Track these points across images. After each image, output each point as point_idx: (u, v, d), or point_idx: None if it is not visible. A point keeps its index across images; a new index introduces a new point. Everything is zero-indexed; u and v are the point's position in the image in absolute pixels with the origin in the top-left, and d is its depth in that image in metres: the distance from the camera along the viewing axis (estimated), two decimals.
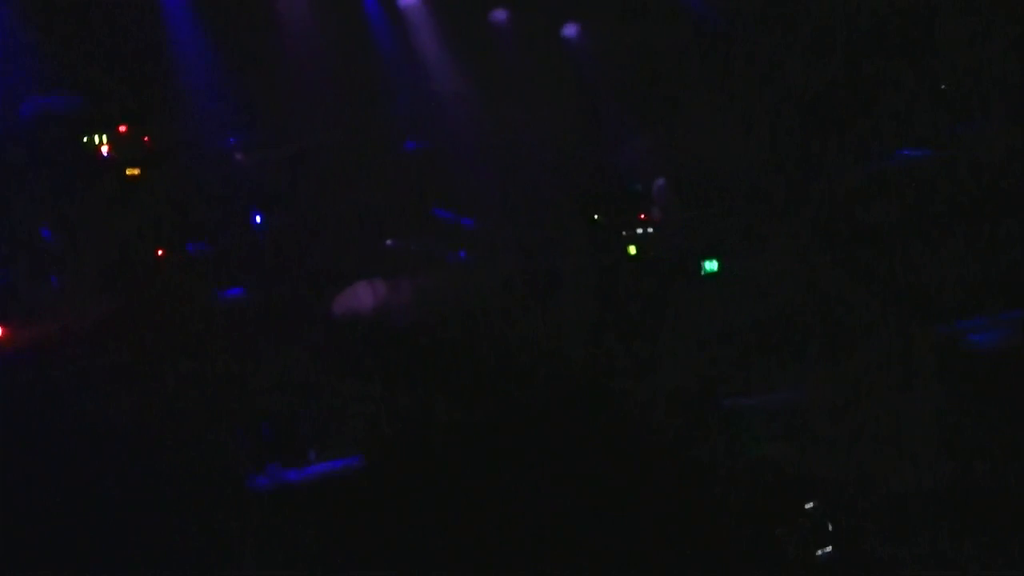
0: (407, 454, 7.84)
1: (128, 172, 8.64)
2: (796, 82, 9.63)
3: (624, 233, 10.24)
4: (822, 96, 9.66)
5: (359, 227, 9.29)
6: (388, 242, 9.24)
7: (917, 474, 6.28)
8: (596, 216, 10.28)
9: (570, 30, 10.58)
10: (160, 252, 8.75)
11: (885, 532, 5.90)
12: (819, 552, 6.00)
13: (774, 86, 9.65)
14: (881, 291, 9.16)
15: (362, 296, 8.98)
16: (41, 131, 7.59)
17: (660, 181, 9.89)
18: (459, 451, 7.67)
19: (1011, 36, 9.19)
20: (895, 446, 6.61)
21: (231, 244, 8.82)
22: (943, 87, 9.59)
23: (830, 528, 6.05)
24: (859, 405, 7.28)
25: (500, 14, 10.34)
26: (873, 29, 9.67)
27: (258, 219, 9.08)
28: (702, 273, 9.49)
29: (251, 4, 9.56)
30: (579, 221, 10.20)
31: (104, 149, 8.57)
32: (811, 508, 6.21)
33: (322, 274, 9.01)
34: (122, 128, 8.77)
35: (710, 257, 9.56)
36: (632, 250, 10.18)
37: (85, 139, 7.95)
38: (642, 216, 10.26)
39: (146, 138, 6.98)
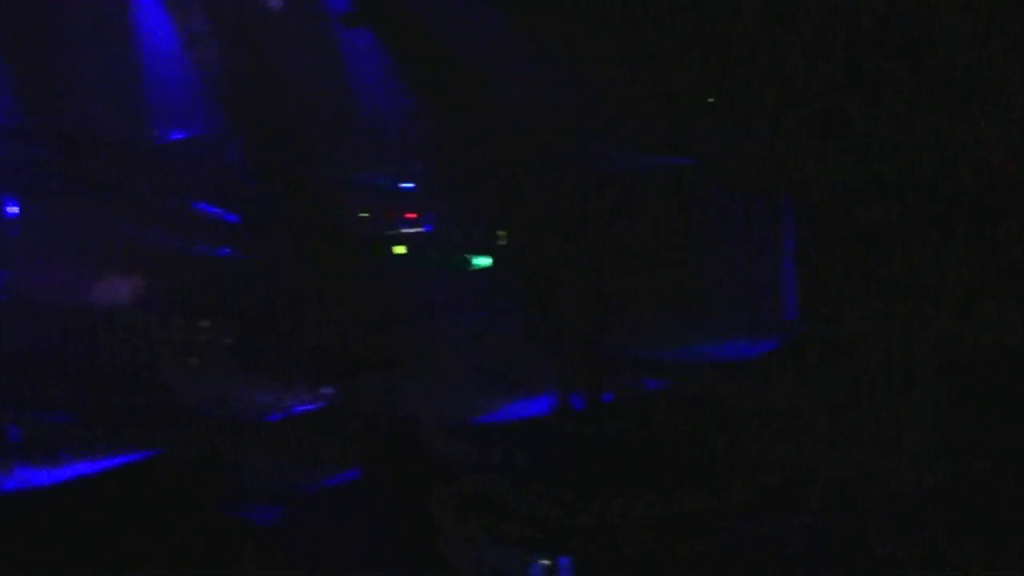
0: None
1: None
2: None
3: (390, 232, 10.11)
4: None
5: (116, 220, 9.13)
6: (146, 236, 9.10)
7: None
8: (364, 213, 10.11)
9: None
10: None
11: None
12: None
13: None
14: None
15: (119, 291, 8.88)
16: None
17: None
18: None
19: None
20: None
21: None
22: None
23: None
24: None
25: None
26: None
27: (12, 208, 8.94)
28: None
29: None
30: (344, 218, 10.03)
31: None
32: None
33: (76, 267, 8.86)
34: None
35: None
36: (400, 249, 10.04)
37: None
38: (412, 215, 10.15)
39: None
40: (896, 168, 9.48)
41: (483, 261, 9.71)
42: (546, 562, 6.25)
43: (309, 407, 8.53)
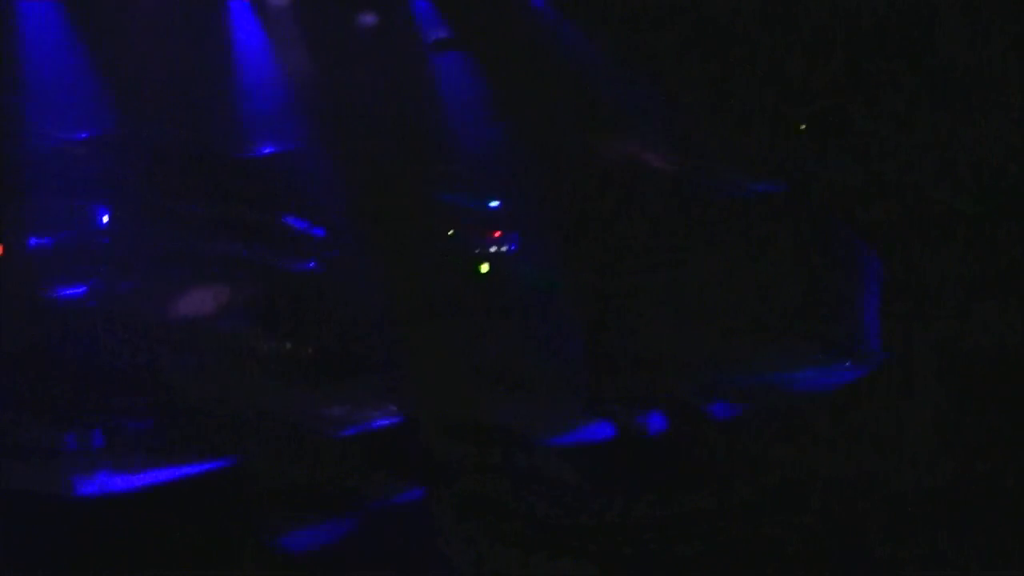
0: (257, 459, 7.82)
1: None
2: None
3: (477, 251, 10.17)
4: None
5: (205, 232, 9.18)
6: (228, 249, 9.15)
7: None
8: (451, 232, 10.19)
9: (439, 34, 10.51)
10: None
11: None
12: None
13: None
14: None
15: (199, 302, 8.93)
16: None
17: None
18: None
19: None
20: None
21: (73, 241, 8.73)
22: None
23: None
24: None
25: (369, 17, 10.25)
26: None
27: (104, 218, 8.95)
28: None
29: None
30: (433, 236, 10.10)
31: None
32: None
33: (164, 277, 8.91)
34: None
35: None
36: (484, 268, 10.11)
37: None
38: (497, 233, 10.21)
39: None
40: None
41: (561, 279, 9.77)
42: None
43: (385, 422, 8.59)
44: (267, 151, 9.77)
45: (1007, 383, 6.88)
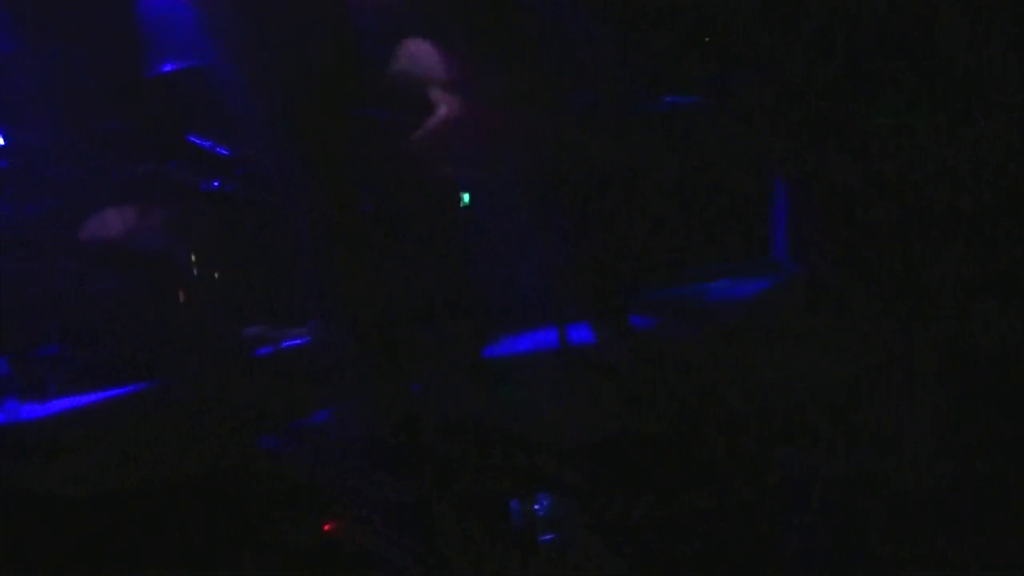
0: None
1: None
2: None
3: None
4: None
5: (112, 151, 9.01)
6: (139, 168, 8.97)
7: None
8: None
9: None
10: None
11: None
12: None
13: None
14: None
15: (111, 223, 8.79)
16: None
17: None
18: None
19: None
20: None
21: None
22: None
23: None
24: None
25: None
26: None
27: (1, 138, 8.80)
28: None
29: None
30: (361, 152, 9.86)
31: None
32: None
33: (71, 198, 8.75)
34: None
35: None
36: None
37: None
38: None
39: None
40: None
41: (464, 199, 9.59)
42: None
43: (298, 340, 8.48)
44: (171, 68, 9.57)
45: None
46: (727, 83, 9.94)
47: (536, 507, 6.17)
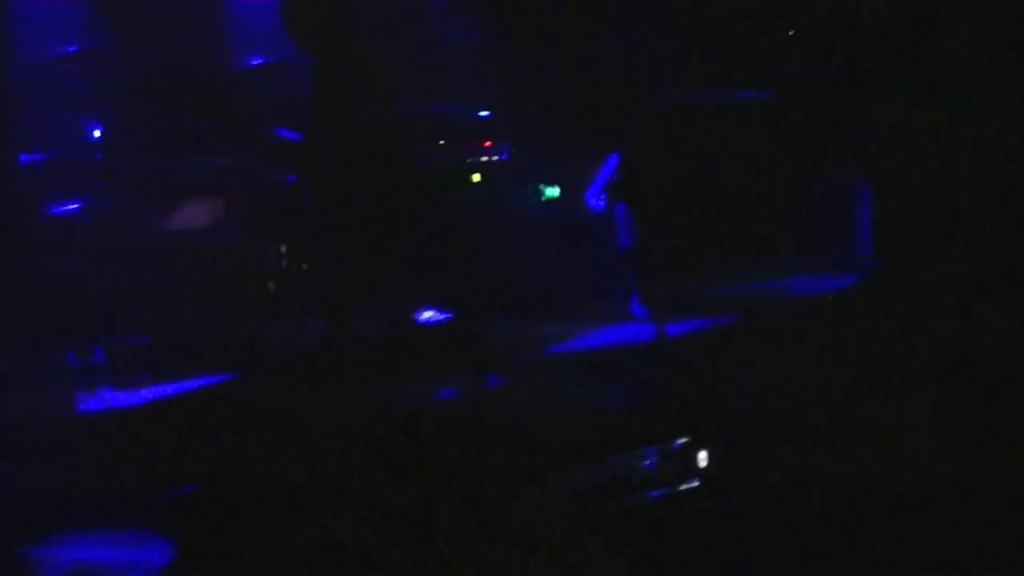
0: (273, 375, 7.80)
1: None
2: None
3: (468, 161, 10.02)
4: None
5: (196, 145, 9.04)
6: (226, 160, 8.99)
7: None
8: (441, 142, 10.03)
9: None
10: None
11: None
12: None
13: None
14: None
15: (199, 214, 8.83)
16: None
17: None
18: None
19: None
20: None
21: (65, 157, 8.62)
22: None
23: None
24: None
25: None
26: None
27: (96, 133, 8.82)
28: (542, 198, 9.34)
29: None
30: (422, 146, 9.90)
31: None
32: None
33: (157, 191, 8.79)
34: None
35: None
36: (476, 178, 9.95)
37: None
38: (487, 143, 10.06)
39: None
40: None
41: (554, 191, 9.62)
42: None
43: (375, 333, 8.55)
44: (253, 63, 9.63)
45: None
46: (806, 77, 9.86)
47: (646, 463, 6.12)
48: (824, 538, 5.97)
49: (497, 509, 6.41)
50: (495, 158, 9.93)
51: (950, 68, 9.38)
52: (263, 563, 6.61)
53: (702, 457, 6.05)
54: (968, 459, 6.30)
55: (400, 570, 6.34)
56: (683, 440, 6.14)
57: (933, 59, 9.43)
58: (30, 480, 6.37)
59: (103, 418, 7.38)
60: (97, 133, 8.68)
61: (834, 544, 5.92)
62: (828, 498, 6.26)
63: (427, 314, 8.84)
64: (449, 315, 8.80)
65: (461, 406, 8.34)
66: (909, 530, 5.83)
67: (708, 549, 6.01)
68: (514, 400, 7.67)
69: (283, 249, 8.82)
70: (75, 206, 8.32)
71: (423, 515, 6.59)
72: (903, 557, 5.64)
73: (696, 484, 5.98)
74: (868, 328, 7.54)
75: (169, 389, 7.72)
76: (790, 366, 7.19)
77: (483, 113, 10.02)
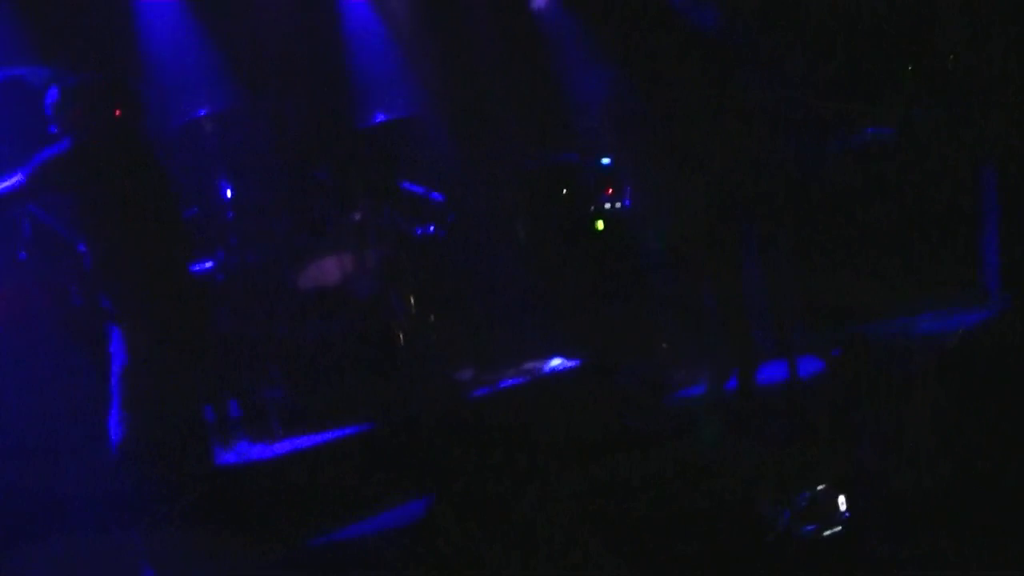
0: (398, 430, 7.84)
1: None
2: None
3: (592, 208, 10.11)
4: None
5: (326, 200, 9.11)
6: (355, 216, 9.04)
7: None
8: (565, 191, 10.13)
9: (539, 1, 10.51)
10: None
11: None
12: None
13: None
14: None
15: (329, 270, 8.87)
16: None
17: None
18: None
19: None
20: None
21: (200, 216, 8.66)
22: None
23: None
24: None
25: None
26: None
27: (229, 191, 8.84)
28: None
29: None
30: (547, 195, 10.01)
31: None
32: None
33: (290, 248, 8.85)
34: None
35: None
36: (600, 225, 10.03)
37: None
38: (609, 191, 10.12)
39: (117, 112, 6.76)
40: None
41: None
42: None
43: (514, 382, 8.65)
44: (383, 118, 9.71)
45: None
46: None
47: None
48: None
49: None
50: (617, 205, 10.07)
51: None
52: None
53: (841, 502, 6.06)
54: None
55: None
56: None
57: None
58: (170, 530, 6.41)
59: (240, 471, 7.45)
60: (230, 192, 8.74)
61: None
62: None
63: (555, 362, 9.01)
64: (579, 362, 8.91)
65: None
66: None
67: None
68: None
69: (413, 301, 8.91)
70: (208, 264, 8.37)
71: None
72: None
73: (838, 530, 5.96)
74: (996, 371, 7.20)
75: (305, 441, 7.80)
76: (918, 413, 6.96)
77: (604, 161, 10.15)
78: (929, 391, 6.98)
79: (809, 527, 5.93)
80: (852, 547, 5.86)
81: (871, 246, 9.55)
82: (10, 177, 6.38)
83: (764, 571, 5.87)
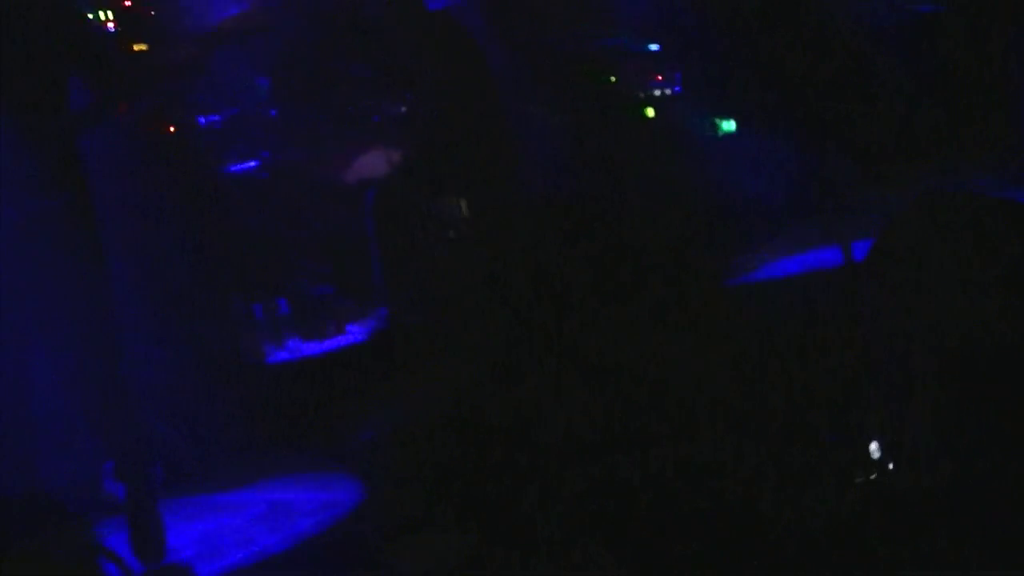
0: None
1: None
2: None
3: (641, 95, 9.84)
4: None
5: (369, 92, 8.96)
6: (397, 107, 8.89)
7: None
8: (612, 77, 9.86)
9: None
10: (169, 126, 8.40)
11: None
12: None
13: None
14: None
15: (370, 164, 8.76)
16: None
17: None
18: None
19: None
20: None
21: (241, 115, 8.61)
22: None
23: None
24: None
25: None
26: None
27: (269, 89, 8.80)
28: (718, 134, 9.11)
29: None
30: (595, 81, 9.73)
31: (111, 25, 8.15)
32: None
33: (332, 141, 8.76)
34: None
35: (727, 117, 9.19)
36: (649, 112, 9.74)
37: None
38: (659, 77, 9.85)
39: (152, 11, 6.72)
40: None
41: (730, 126, 9.44)
42: None
43: None
44: (439, 5, 9.52)
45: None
46: None
47: None
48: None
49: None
50: (668, 91, 9.72)
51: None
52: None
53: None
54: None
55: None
56: None
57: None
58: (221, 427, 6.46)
59: (291, 367, 7.56)
60: (270, 89, 8.64)
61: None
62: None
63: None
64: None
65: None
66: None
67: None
68: None
69: (469, 204, 8.65)
70: (253, 163, 8.31)
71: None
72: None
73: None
74: None
75: (352, 338, 7.87)
76: None
77: (653, 46, 9.82)
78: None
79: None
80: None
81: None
82: None
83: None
